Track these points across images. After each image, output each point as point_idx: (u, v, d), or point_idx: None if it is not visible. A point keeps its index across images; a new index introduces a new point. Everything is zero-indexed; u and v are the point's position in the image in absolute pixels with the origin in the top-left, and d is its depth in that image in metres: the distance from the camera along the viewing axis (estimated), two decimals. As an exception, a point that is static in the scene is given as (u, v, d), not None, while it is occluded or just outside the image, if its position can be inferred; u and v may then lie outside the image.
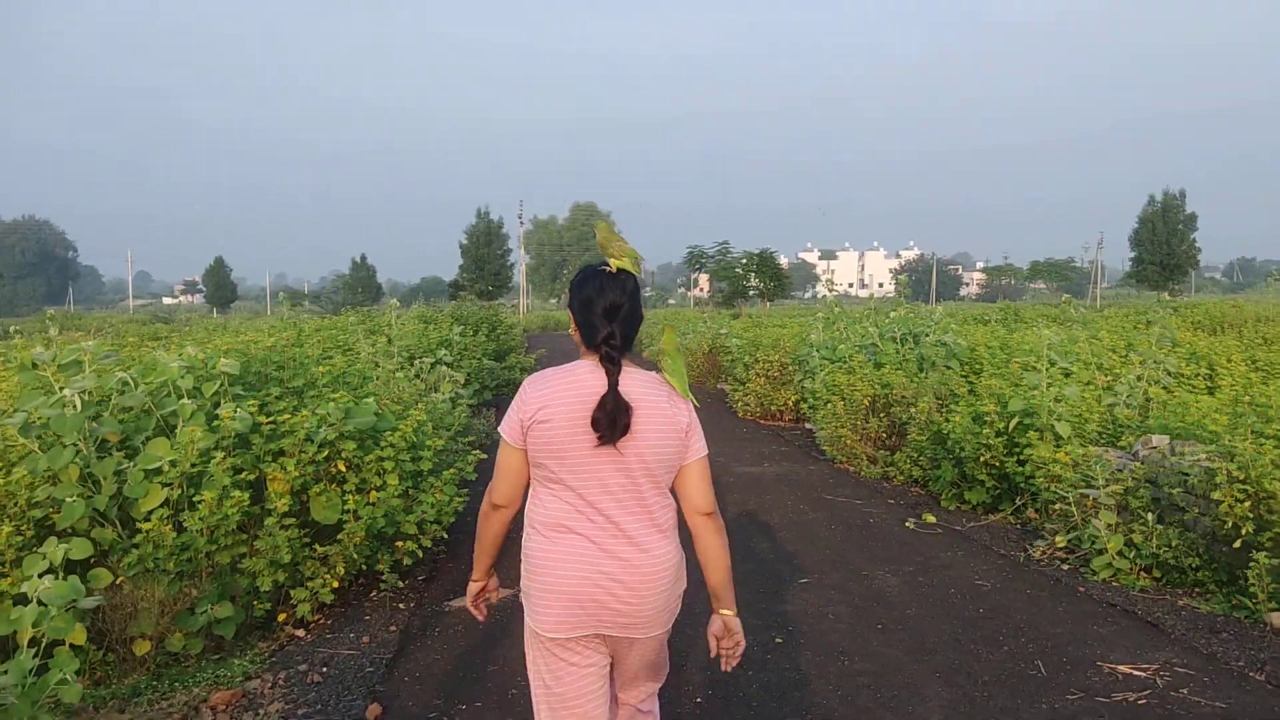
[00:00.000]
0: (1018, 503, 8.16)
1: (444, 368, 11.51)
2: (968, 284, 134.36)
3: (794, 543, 7.23)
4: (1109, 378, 10.32)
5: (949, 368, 12.20)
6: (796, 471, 10.30)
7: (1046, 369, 8.25)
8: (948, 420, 8.91)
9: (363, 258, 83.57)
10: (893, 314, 12.94)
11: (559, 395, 2.57)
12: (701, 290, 76.52)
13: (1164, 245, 51.64)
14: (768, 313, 44.33)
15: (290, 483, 5.26)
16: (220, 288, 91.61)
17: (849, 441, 10.63)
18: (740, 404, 14.99)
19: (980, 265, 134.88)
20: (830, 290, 15.52)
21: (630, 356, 2.66)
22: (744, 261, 45.21)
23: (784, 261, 50.75)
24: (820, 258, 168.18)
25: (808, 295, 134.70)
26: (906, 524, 7.80)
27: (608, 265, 2.68)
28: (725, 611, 2.74)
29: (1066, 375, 9.42)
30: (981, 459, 8.14)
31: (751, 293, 45.51)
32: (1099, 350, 11.46)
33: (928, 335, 12.62)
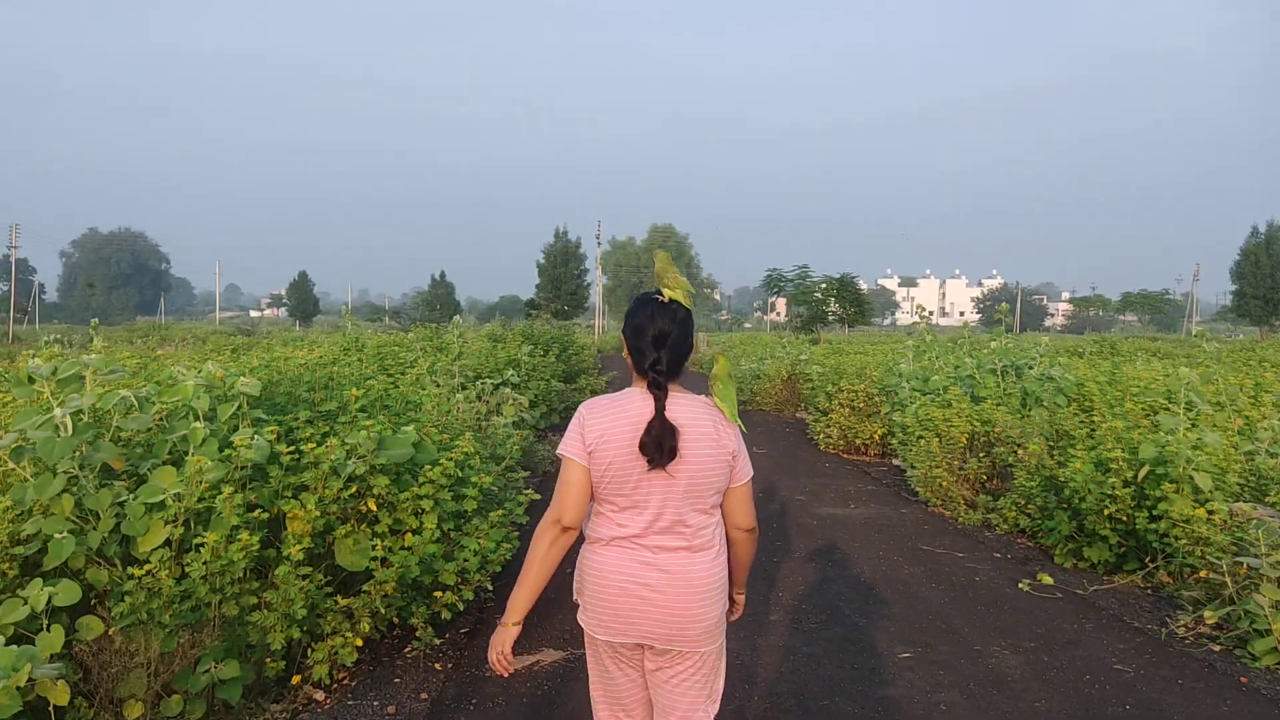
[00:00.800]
0: (1147, 564, 7.13)
1: (507, 389, 10.82)
2: (1053, 314, 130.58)
3: (890, 605, 6.32)
4: (1243, 421, 9.19)
5: (1057, 404, 11.14)
6: (887, 515, 9.35)
7: (1184, 412, 7.20)
8: (1063, 465, 7.90)
9: (441, 274, 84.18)
10: (992, 344, 11.89)
11: (616, 423, 2.66)
12: (779, 314, 75.19)
13: (1268, 278, 48.89)
14: (847, 339, 43.09)
15: (311, 523, 4.55)
16: (303, 301, 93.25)
17: (945, 483, 9.64)
18: (822, 436, 14.03)
19: (1066, 295, 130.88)
20: (921, 316, 14.52)
21: (681, 382, 2.74)
22: (824, 286, 44.07)
23: (863, 287, 49.36)
24: (900, 284, 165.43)
25: (886, 322, 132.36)
26: (1020, 585, 6.81)
27: (661, 295, 2.75)
28: (738, 594, 3.04)
29: (1192, 417, 8.37)
30: (1105, 512, 7.13)
31: (831, 318, 44.32)
32: (1230, 390, 10.32)
33: (1031, 368, 11.56)
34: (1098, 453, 7.53)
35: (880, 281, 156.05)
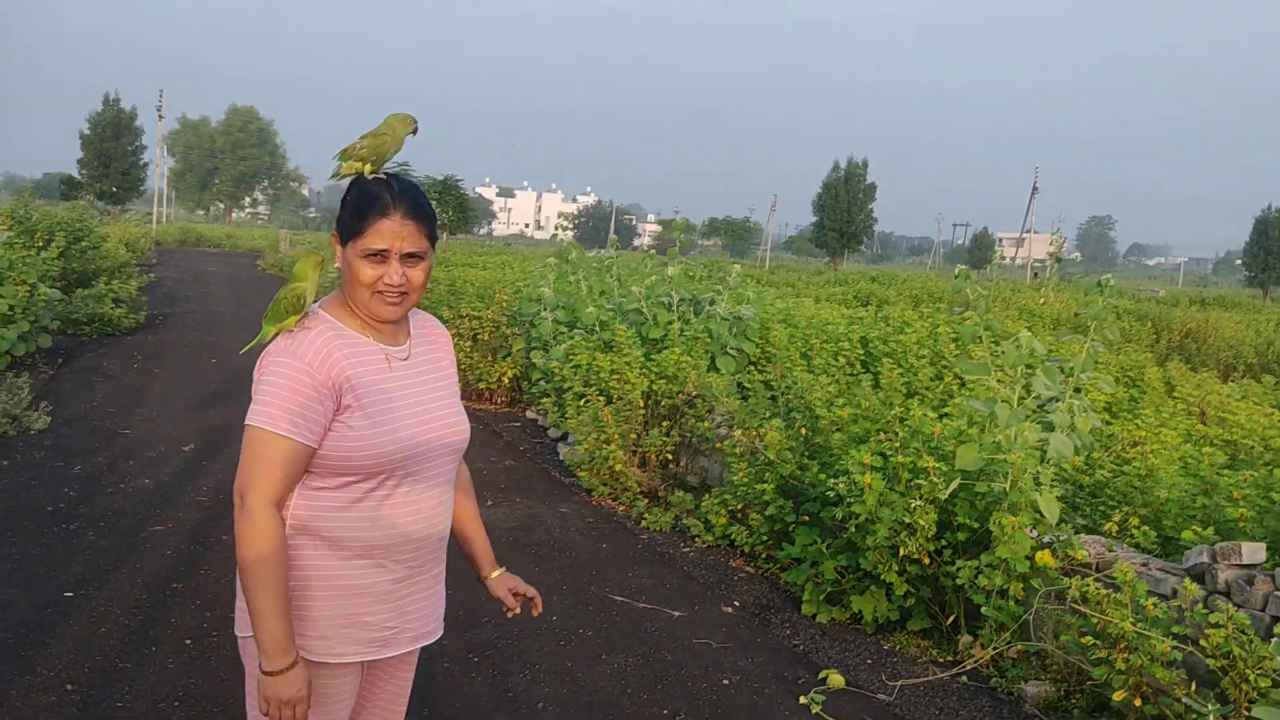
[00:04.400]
0: (943, 624, 4.73)
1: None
2: (641, 235, 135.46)
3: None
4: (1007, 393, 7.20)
5: (739, 351, 8.70)
6: (542, 519, 6.30)
7: (1020, 400, 4.78)
8: (810, 469, 5.27)
9: (-47, 137, 68.19)
10: (669, 269, 9.14)
11: None
12: (373, 216, 69.27)
13: (845, 212, 52.14)
14: (448, 248, 39.69)
15: None
16: None
17: (619, 467, 6.79)
18: (433, 376, 10.66)
19: (652, 217, 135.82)
20: (562, 226, 11.47)
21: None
22: (427, 188, 40.07)
23: (466, 192, 45.90)
24: (498, 194, 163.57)
25: (483, 231, 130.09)
26: (805, 701, 4.02)
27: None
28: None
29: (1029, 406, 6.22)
30: (901, 550, 4.58)
31: (432, 223, 40.55)
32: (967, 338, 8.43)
33: (713, 304, 9.00)
34: (881, 450, 4.93)
35: (479, 190, 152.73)
